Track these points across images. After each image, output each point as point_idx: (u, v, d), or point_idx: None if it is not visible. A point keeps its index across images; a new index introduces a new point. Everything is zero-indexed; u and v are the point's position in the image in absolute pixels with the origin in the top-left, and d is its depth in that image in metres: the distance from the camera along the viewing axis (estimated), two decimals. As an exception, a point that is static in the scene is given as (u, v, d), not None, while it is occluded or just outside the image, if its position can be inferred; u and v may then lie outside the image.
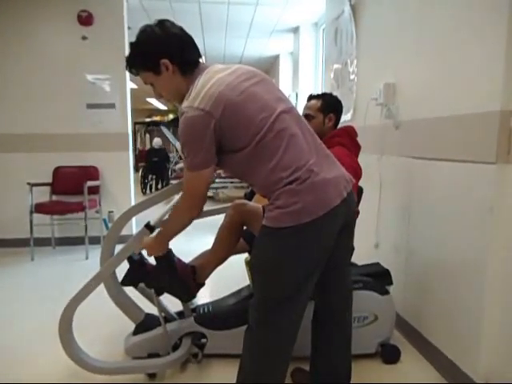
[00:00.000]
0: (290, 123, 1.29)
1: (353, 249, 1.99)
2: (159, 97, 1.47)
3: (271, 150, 1.24)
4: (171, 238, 1.54)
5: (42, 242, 3.92)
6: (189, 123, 1.22)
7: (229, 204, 2.02)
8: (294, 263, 1.24)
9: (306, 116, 2.11)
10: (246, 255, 2.12)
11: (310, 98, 2.16)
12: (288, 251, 1.24)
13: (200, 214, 1.44)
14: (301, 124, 1.34)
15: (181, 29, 1.38)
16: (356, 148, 2.09)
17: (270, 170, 1.24)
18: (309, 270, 1.26)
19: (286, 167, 1.23)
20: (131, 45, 1.37)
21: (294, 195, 1.21)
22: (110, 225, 3.98)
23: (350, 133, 2.09)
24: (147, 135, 14.28)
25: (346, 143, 2.04)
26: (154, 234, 1.67)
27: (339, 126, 2.16)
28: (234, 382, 1.39)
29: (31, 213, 3.63)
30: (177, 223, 1.47)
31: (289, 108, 1.33)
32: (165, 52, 1.33)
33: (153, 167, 8.68)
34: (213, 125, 1.21)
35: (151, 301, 1.96)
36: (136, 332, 1.91)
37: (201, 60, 1.40)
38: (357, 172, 1.99)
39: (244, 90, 1.26)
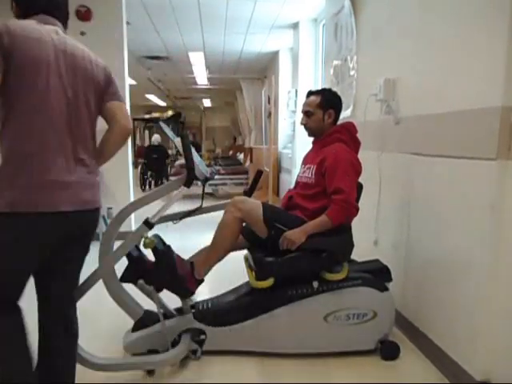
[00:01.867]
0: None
1: (352, 245, 1.99)
2: None
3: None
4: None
5: (41, 239, 3.90)
6: None
7: (228, 200, 2.02)
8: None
9: (306, 112, 2.10)
10: (245, 252, 2.12)
11: (310, 94, 2.15)
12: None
13: None
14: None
15: None
16: (356, 144, 2.09)
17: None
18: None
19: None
20: None
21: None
22: (108, 221, 3.97)
23: (350, 129, 2.08)
24: (146, 132, 14.26)
25: (345, 139, 2.04)
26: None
27: (339, 122, 2.15)
28: (233, 378, 1.38)
29: (30, 209, 3.60)
30: None
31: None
32: None
33: (152, 164, 8.67)
34: None
35: (150, 297, 1.96)
36: (135, 328, 1.91)
37: (48, 16, 1.36)
38: (356, 168, 1.98)
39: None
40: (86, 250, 1.51)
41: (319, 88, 2.29)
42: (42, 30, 1.30)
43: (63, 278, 1.47)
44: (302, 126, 2.16)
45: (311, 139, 2.22)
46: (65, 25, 1.45)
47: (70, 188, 1.32)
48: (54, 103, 1.30)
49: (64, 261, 1.44)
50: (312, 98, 2.10)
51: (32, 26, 1.28)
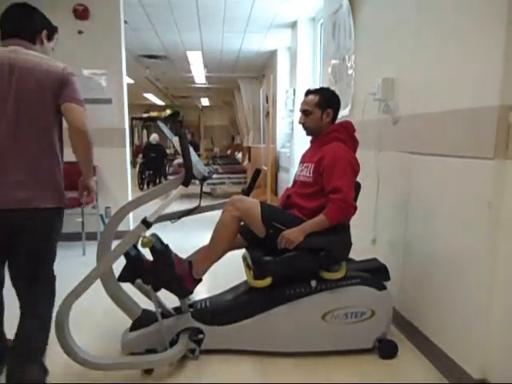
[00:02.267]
0: None
1: (350, 244, 1.99)
2: None
3: None
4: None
5: (39, 238, 3.89)
6: None
7: (226, 200, 2.02)
8: None
9: (304, 111, 2.10)
10: (243, 251, 2.12)
11: (308, 93, 2.15)
12: None
13: None
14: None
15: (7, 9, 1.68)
16: (354, 143, 2.09)
17: None
18: None
19: None
20: None
21: None
22: (107, 221, 3.96)
23: (348, 128, 2.08)
24: (144, 131, 14.24)
25: (343, 138, 2.03)
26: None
27: (337, 121, 2.15)
28: (232, 377, 1.39)
29: (27, 208, 3.59)
30: None
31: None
32: None
33: (150, 163, 8.66)
34: None
35: (148, 297, 1.96)
36: (133, 328, 1.90)
37: (13, 39, 1.63)
38: (354, 167, 1.99)
39: None
40: (28, 247, 1.60)
41: (317, 87, 2.28)
42: None
43: (13, 270, 1.64)
44: (300, 127, 2.16)
45: (309, 138, 2.22)
46: (33, 40, 1.69)
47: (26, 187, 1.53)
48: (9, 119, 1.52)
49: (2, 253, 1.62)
50: (310, 96, 2.10)
51: None
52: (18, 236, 1.56)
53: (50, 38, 1.79)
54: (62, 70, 1.64)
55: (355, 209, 1.92)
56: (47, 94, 1.58)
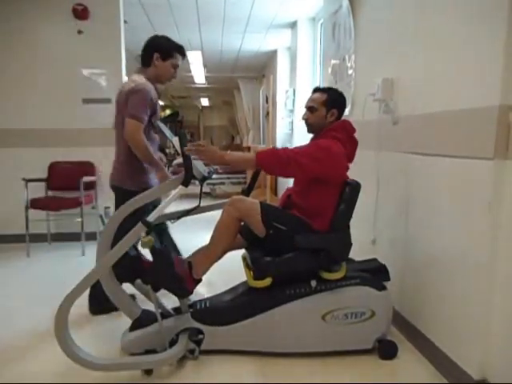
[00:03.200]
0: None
1: (350, 244, 1.99)
2: None
3: None
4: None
5: (38, 238, 3.89)
6: None
7: (226, 200, 2.01)
8: None
9: (310, 108, 2.09)
10: (243, 251, 2.12)
11: (316, 90, 2.14)
12: None
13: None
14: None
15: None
16: (352, 144, 2.06)
17: None
18: None
19: None
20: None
21: None
22: (106, 221, 3.96)
23: (347, 128, 2.05)
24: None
25: (341, 138, 1.98)
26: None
27: (337, 121, 2.14)
28: (231, 378, 1.39)
29: (27, 208, 3.60)
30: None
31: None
32: None
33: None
34: None
35: (148, 297, 1.96)
36: (132, 328, 1.90)
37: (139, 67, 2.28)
38: (330, 154, 1.88)
39: None
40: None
41: (326, 86, 2.28)
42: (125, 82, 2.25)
43: None
44: (300, 127, 2.16)
45: (309, 138, 2.21)
46: (148, 63, 2.21)
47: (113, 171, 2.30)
48: (116, 128, 2.23)
49: None
50: (318, 94, 2.09)
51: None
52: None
53: (164, 58, 2.16)
54: (126, 90, 2.09)
55: (297, 169, 1.83)
56: (119, 110, 2.13)
